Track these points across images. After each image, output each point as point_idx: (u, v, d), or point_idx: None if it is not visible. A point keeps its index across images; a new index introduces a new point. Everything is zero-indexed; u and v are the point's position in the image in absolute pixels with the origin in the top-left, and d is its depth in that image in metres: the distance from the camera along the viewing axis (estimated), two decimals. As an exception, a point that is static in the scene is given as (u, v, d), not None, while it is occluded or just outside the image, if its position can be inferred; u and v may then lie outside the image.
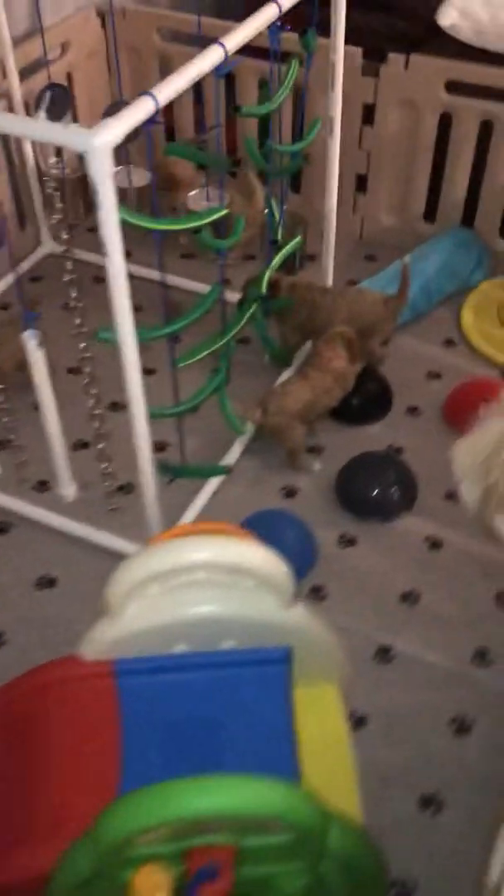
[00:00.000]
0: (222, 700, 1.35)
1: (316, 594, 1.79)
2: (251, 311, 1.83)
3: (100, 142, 1.21)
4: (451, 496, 1.97)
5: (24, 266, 2.60)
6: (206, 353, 1.84)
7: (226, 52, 1.42)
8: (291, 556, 1.79)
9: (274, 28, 1.57)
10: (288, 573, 1.39)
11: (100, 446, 1.79)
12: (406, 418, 2.17)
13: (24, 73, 2.41)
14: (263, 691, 1.39)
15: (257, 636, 1.39)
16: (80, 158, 2.32)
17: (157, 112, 1.30)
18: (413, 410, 2.19)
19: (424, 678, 1.66)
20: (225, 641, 1.40)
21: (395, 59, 2.36)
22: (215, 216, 1.46)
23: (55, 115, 2.42)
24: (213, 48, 1.39)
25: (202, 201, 2.31)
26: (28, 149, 2.43)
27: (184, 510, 1.92)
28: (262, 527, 1.81)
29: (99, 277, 2.68)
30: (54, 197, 2.52)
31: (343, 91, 2.03)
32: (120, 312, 1.39)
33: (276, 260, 1.98)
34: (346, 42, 2.25)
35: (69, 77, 2.62)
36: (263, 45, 1.60)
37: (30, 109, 2.38)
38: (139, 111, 1.27)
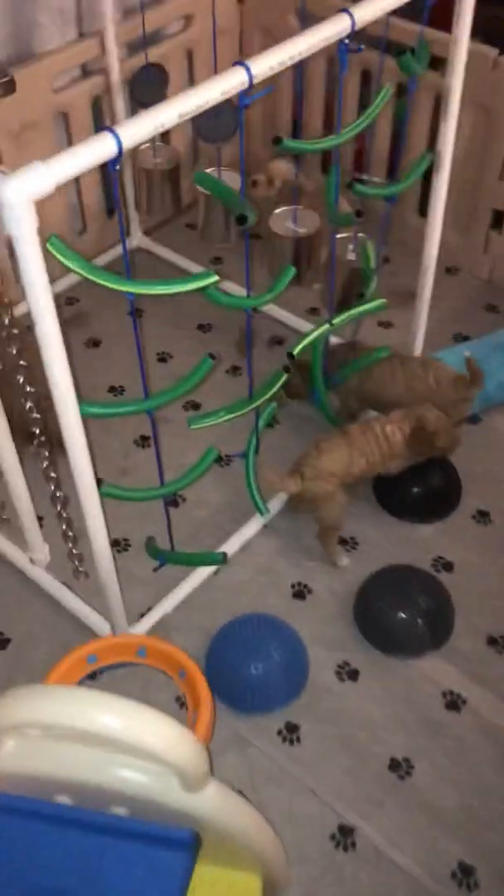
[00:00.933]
0: (94, 876, 1.11)
1: (288, 734, 1.48)
2: (283, 380, 1.51)
3: (17, 196, 0.93)
4: (496, 642, 1.59)
5: (104, 259, 2.38)
6: (224, 419, 1.54)
7: (250, 77, 1.09)
8: (271, 681, 1.51)
9: (343, 46, 1.22)
10: (196, 754, 1.09)
11: (63, 513, 1.55)
12: (470, 524, 1.78)
13: (135, 47, 2.16)
14: (151, 877, 1.12)
15: (155, 813, 1.12)
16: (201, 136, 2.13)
17: (118, 156, 1.00)
18: (483, 516, 1.80)
19: (384, 885, 1.32)
20: (115, 807, 1.14)
21: None
22: (203, 283, 1.15)
23: (150, 97, 2.16)
24: (221, 78, 1.07)
25: (287, 222, 1.98)
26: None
27: (173, 588, 1.65)
28: (245, 637, 1.53)
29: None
30: (142, 189, 2.32)
31: (482, 102, 1.65)
32: (57, 383, 1.12)
33: (340, 319, 1.63)
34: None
35: (189, 54, 2.33)
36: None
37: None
38: (91, 153, 0.98)
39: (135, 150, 2.22)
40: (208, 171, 2.16)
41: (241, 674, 1.49)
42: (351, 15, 1.19)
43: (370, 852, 1.35)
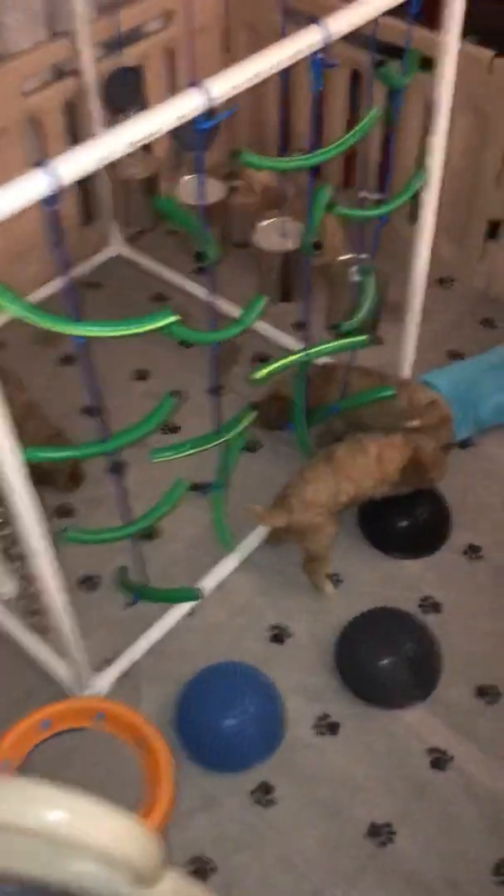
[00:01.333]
0: None
1: (262, 795, 1.39)
2: (248, 417, 1.40)
3: None
4: (486, 693, 1.49)
5: (82, 270, 2.27)
6: (188, 453, 1.44)
7: (209, 99, 0.98)
8: (244, 737, 1.41)
9: (317, 62, 1.11)
10: (147, 848, 1.00)
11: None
12: (460, 561, 1.68)
13: (111, 46, 2.04)
14: None
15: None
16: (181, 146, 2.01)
17: (56, 193, 0.90)
18: (474, 551, 1.69)
19: None
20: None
21: None
22: (159, 324, 1.05)
23: (124, 101, 2.05)
24: (176, 101, 0.96)
25: (273, 235, 1.87)
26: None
27: (144, 630, 1.55)
28: (217, 689, 1.43)
29: (162, 296, 2.37)
30: (119, 199, 2.20)
31: (477, 106, 1.54)
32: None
33: (316, 351, 1.51)
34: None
35: (170, 53, 2.21)
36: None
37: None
38: (20, 193, 0.87)
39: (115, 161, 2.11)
40: (188, 178, 2.05)
41: (213, 729, 1.40)
42: (324, 27, 1.07)
43: (347, 929, 1.26)
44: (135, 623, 1.57)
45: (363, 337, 1.52)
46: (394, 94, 1.34)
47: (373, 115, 1.24)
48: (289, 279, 1.89)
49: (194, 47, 2.20)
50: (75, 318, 1.01)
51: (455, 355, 2.05)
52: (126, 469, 1.35)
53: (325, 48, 1.09)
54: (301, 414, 1.67)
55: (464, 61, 1.83)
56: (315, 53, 1.09)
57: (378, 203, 1.53)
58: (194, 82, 0.98)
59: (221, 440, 1.42)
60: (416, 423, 1.64)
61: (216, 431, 1.43)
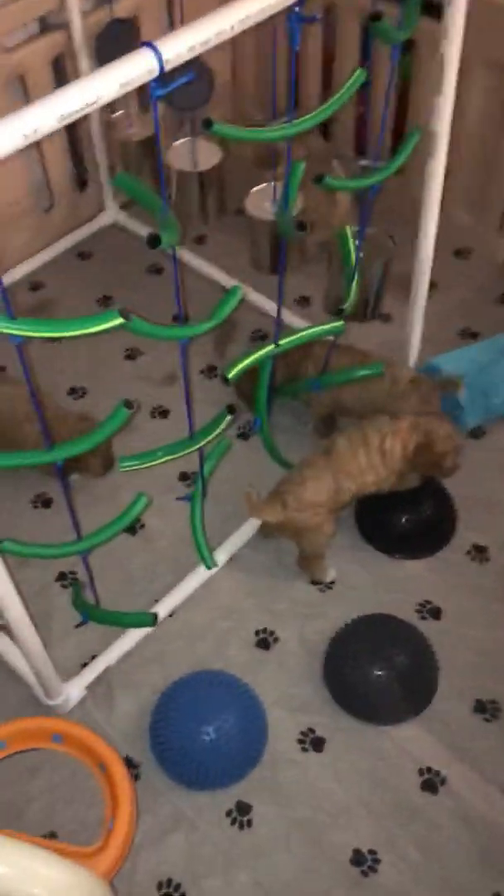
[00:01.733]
0: None
1: (239, 816, 1.30)
2: (224, 422, 1.27)
3: None
4: (485, 708, 1.38)
5: (75, 238, 2.14)
6: (160, 461, 1.31)
7: (160, 62, 0.85)
8: (222, 754, 1.32)
9: (294, 16, 0.96)
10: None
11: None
12: (464, 562, 1.56)
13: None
14: None
15: None
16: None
17: None
18: (479, 552, 1.57)
19: None
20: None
21: None
22: (104, 326, 0.92)
23: (114, 56, 1.90)
24: (121, 65, 0.83)
25: (265, 202, 1.73)
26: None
27: (121, 633, 1.46)
28: (195, 701, 1.34)
29: (157, 267, 2.24)
30: (117, 161, 2.07)
31: (497, 61, 1.39)
32: None
33: (287, 341, 1.37)
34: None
35: (169, 3, 2.05)
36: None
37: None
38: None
39: (108, 117, 1.97)
40: (180, 142, 1.91)
41: (188, 745, 1.30)
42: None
43: None
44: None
45: (339, 323, 1.38)
46: (393, 51, 1.18)
47: (357, 76, 1.10)
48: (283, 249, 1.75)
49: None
50: (9, 316, 0.89)
51: (468, 335, 1.91)
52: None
53: (302, 1, 0.94)
54: (264, 414, 1.54)
55: (484, 12, 1.67)
56: (292, 7, 0.95)
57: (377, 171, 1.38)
58: (147, 43, 0.85)
59: (195, 447, 1.30)
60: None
61: (190, 437, 1.31)
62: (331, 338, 1.51)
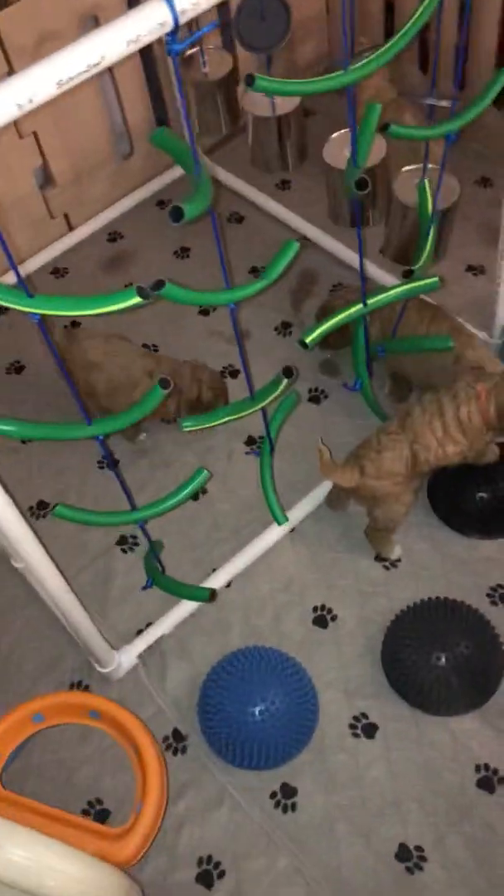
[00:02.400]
0: None
1: (283, 798, 1.27)
2: (283, 385, 1.20)
3: None
4: (552, 704, 1.29)
5: (156, 185, 2.08)
6: (223, 420, 1.27)
7: (175, 17, 0.77)
8: (269, 734, 1.28)
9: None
10: (110, 892, 0.91)
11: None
12: (544, 544, 1.45)
13: None
14: None
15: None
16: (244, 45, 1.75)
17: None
18: None
19: None
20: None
21: None
22: (123, 304, 0.86)
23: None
24: (129, 19, 0.75)
25: (345, 150, 1.59)
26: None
27: (178, 600, 1.44)
28: (244, 678, 1.31)
29: (238, 215, 2.14)
30: (192, 103, 1.97)
31: None
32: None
33: (376, 300, 1.27)
34: None
35: None
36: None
37: None
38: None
39: (182, 57, 1.87)
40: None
41: (235, 724, 1.27)
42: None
43: None
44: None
45: (434, 279, 1.26)
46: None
47: (428, 3, 0.97)
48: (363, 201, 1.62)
49: None
50: (28, 295, 0.84)
51: None
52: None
53: None
54: (365, 372, 1.45)
55: None
56: None
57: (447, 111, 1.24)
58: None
59: (256, 408, 1.23)
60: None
61: (251, 398, 1.25)
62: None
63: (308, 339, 1.21)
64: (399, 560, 1.46)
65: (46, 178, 1.93)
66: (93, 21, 1.79)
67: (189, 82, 1.90)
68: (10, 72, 1.70)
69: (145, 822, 1.11)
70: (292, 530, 1.51)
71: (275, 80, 0.94)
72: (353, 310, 1.27)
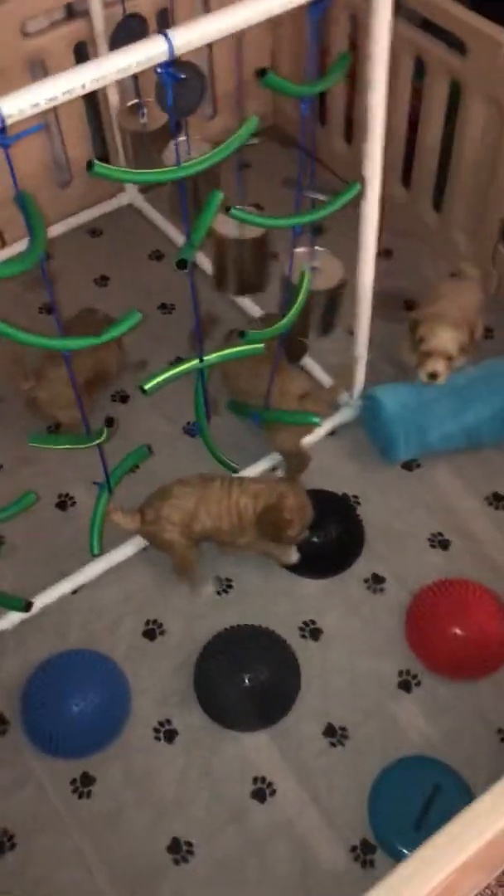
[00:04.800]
0: None
1: (81, 786, 1.42)
2: (103, 438, 1.35)
3: None
4: (334, 733, 1.45)
5: (90, 214, 2.24)
6: (60, 447, 1.42)
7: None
8: (80, 727, 1.43)
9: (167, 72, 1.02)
10: None
11: None
12: (360, 590, 1.61)
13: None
14: None
15: None
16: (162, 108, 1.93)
17: None
18: (378, 582, 1.62)
19: None
20: None
21: None
22: None
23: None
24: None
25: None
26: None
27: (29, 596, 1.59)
28: (67, 673, 1.47)
29: (159, 254, 2.30)
30: (127, 150, 2.14)
31: (494, 96, 1.63)
32: None
33: (211, 358, 1.42)
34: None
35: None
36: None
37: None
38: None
39: (126, 107, 2.04)
40: (179, 141, 1.96)
41: (52, 712, 1.43)
42: (168, 39, 0.98)
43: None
44: (18, 592, 1.61)
45: (260, 345, 1.43)
46: (301, 103, 1.22)
47: (249, 123, 1.14)
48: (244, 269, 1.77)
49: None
50: None
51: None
52: None
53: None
54: (203, 419, 1.61)
55: (480, 42, 1.66)
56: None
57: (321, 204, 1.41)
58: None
59: (91, 445, 1.38)
60: None
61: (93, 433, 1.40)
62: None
63: (147, 387, 1.36)
64: (231, 586, 1.61)
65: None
66: (39, 64, 1.96)
67: (128, 131, 2.06)
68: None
69: None
70: (144, 549, 1.67)
71: (111, 168, 1.10)
72: (188, 364, 1.42)
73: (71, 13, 1.96)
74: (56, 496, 1.74)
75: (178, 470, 1.62)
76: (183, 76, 1.61)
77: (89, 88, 0.98)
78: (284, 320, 1.44)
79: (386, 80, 1.25)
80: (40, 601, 1.59)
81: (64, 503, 1.74)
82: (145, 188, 2.27)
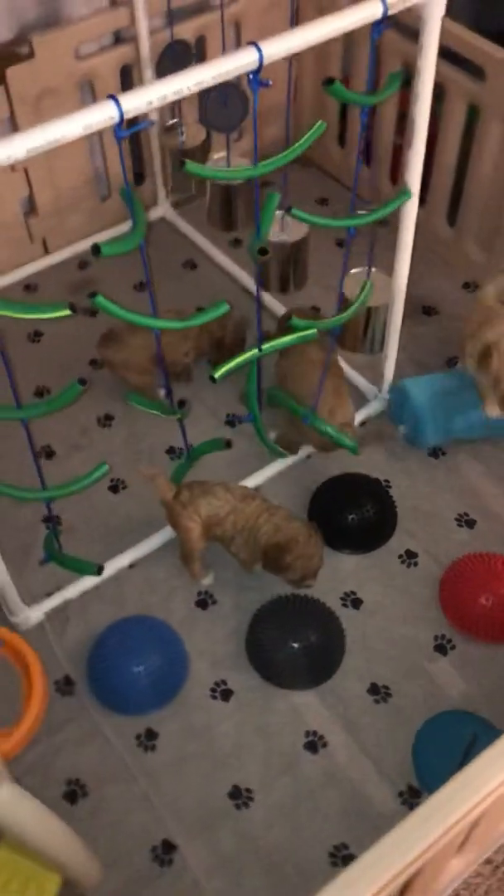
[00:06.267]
0: None
1: (146, 740, 1.53)
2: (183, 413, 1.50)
3: None
4: (378, 691, 1.57)
5: (126, 227, 2.39)
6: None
7: (121, 114, 1.07)
8: (142, 686, 1.54)
9: (255, 78, 1.17)
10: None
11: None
12: (395, 564, 1.74)
13: (184, 14, 2.12)
14: None
15: None
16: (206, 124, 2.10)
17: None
18: (410, 557, 1.75)
19: (187, 905, 1.37)
20: None
21: None
22: (51, 314, 1.15)
23: (169, 73, 2.11)
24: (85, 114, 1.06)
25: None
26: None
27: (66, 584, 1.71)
28: (129, 637, 1.59)
29: (192, 262, 2.45)
30: (165, 166, 2.30)
31: None
32: None
33: (269, 346, 1.58)
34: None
35: (237, 26, 2.27)
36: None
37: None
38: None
39: (165, 127, 2.19)
40: (217, 157, 2.12)
41: (117, 672, 1.54)
42: (259, 49, 1.14)
43: (184, 874, 1.40)
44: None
45: (313, 330, 1.57)
46: (362, 112, 1.37)
47: (317, 127, 1.29)
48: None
49: (262, 20, 2.26)
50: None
51: (453, 363, 2.06)
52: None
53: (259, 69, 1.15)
54: (256, 411, 1.74)
55: (499, 67, 1.84)
56: (247, 74, 1.16)
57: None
58: (112, 96, 1.07)
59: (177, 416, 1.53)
60: None
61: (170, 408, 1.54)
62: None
63: (216, 375, 1.50)
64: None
65: (31, 207, 2.23)
66: (88, 84, 2.12)
67: (167, 148, 2.23)
68: (12, 117, 2.01)
69: (25, 723, 1.37)
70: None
71: (197, 165, 1.25)
72: (249, 354, 1.56)
73: (118, 38, 2.12)
74: (109, 480, 1.86)
75: (214, 457, 1.76)
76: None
77: (193, 91, 1.12)
78: (341, 315, 1.58)
79: (430, 94, 1.41)
80: (104, 573, 1.71)
81: (116, 486, 1.86)
82: (178, 202, 2.43)
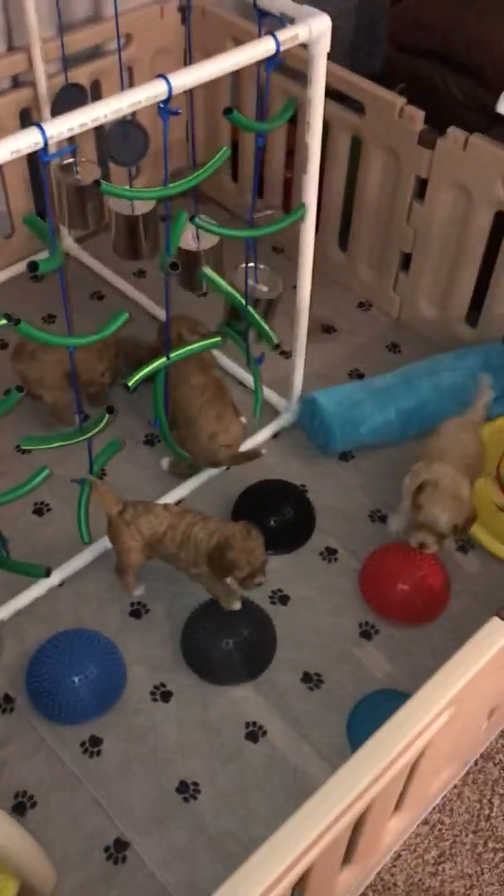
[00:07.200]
0: None
1: (91, 747, 1.56)
2: (106, 421, 1.57)
3: None
4: (310, 679, 1.66)
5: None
6: (53, 445, 1.62)
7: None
8: (82, 695, 1.56)
9: (166, 107, 1.28)
10: None
11: None
12: (316, 560, 1.84)
13: (78, 60, 2.22)
14: None
15: None
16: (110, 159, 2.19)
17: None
18: (331, 553, 1.86)
19: None
20: None
21: (455, 135, 1.95)
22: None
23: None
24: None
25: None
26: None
27: (20, 591, 1.73)
28: (65, 650, 1.61)
29: (99, 294, 2.54)
30: (63, 203, 2.38)
31: (397, 158, 1.95)
32: None
33: (177, 354, 1.67)
34: (414, 101, 1.99)
35: (130, 71, 2.39)
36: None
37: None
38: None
39: (61, 165, 2.28)
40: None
41: (57, 685, 1.57)
42: (167, 81, 1.25)
43: (140, 869, 1.43)
44: (8, 586, 1.74)
45: (216, 339, 1.67)
46: (258, 137, 1.51)
47: (222, 153, 1.41)
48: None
49: (152, 66, 2.39)
50: None
51: (356, 375, 2.21)
52: None
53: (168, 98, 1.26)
54: (164, 421, 1.82)
55: (381, 105, 2.02)
56: (160, 102, 1.26)
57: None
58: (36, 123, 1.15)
59: (85, 437, 1.59)
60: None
61: (79, 429, 1.61)
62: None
63: (129, 383, 1.58)
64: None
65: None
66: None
67: (64, 184, 2.30)
68: None
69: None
70: (119, 543, 1.84)
71: (113, 186, 1.34)
72: (158, 363, 1.65)
73: (16, 83, 2.21)
74: (32, 504, 1.90)
75: (137, 473, 1.84)
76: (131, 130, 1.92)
77: (108, 119, 1.22)
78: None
79: (320, 123, 1.56)
80: (29, 595, 1.74)
81: (41, 510, 1.90)
82: (81, 238, 2.51)
